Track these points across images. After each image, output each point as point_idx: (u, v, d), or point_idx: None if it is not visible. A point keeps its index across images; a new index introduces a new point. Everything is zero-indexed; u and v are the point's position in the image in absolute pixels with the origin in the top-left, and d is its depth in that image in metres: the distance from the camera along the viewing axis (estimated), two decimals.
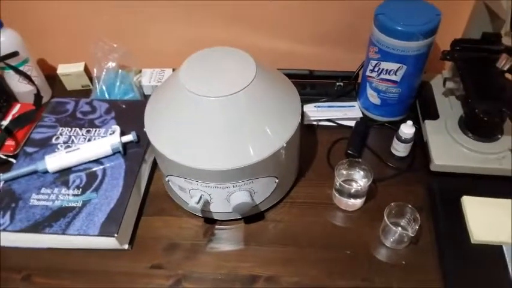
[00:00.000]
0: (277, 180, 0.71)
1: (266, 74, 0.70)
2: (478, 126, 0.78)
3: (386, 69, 0.81)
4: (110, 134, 0.83)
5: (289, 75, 0.79)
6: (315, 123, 0.92)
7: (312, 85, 0.99)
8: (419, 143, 0.84)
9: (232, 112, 0.64)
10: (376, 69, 0.83)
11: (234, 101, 0.64)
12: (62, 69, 1.02)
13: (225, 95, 0.63)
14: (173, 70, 1.03)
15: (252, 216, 0.75)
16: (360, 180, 0.77)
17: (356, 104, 0.95)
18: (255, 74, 0.66)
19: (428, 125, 0.83)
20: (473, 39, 0.80)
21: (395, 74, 0.81)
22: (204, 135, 0.65)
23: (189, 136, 0.65)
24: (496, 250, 0.68)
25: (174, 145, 0.66)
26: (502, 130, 0.79)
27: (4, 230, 0.69)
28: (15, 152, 0.86)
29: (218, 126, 0.64)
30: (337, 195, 0.76)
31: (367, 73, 0.86)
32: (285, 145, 0.66)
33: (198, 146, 0.65)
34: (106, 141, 0.79)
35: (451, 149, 0.79)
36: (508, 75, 0.74)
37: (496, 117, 0.75)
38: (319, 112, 0.94)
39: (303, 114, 0.87)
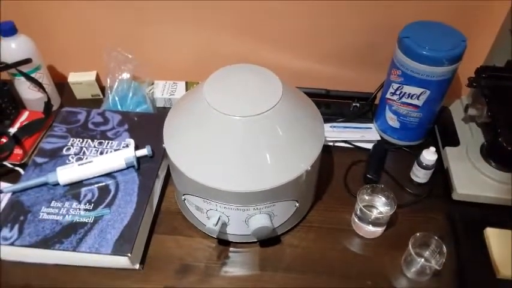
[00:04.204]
0: (297, 204, 0.69)
1: (292, 95, 0.68)
2: (501, 156, 0.77)
3: (409, 93, 0.80)
4: (124, 147, 0.80)
5: (305, 94, 0.77)
6: (330, 143, 0.91)
7: (326, 104, 0.97)
8: (439, 169, 0.82)
9: (258, 133, 0.62)
10: (397, 92, 0.81)
11: (260, 121, 0.62)
12: (73, 78, 0.99)
13: (252, 115, 0.61)
14: (186, 83, 1.01)
15: (268, 239, 0.73)
16: (381, 207, 0.74)
17: (372, 125, 0.94)
18: (281, 94, 0.64)
19: (449, 152, 0.82)
20: (497, 66, 0.79)
21: (418, 99, 0.80)
22: (228, 155, 0.62)
23: (211, 155, 0.63)
24: None
25: (195, 163, 0.64)
26: None
27: (12, 244, 0.66)
28: (22, 161, 0.84)
29: (243, 147, 0.62)
30: (357, 221, 0.74)
31: (388, 96, 0.84)
32: (309, 168, 0.64)
33: (220, 166, 0.62)
34: (120, 154, 0.76)
35: (473, 178, 0.77)
36: None
37: None
38: (334, 132, 0.92)
39: None
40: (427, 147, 0.79)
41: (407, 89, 0.79)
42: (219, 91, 0.66)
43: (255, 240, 0.72)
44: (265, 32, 0.94)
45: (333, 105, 0.98)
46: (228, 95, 0.65)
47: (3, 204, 0.73)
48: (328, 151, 0.89)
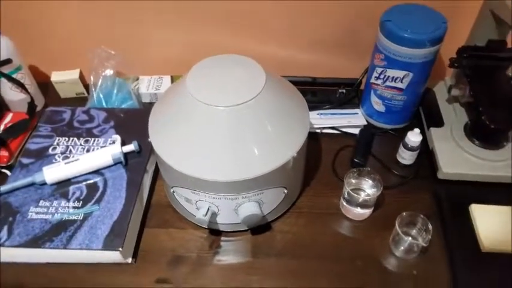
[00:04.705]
0: (285, 191, 0.70)
1: (275, 83, 0.68)
2: (485, 134, 0.78)
3: (393, 77, 0.80)
4: (110, 143, 0.80)
5: (292, 83, 0.77)
6: (318, 130, 0.91)
7: (313, 92, 0.98)
8: (424, 150, 0.83)
9: (242, 122, 0.62)
10: (381, 76, 0.82)
11: (244, 110, 0.62)
12: (56, 77, 0.98)
13: (235, 105, 0.62)
14: (171, 77, 1.01)
15: (259, 227, 0.73)
16: (368, 189, 0.75)
17: (359, 111, 0.94)
18: (264, 82, 0.65)
19: (434, 133, 0.83)
20: (479, 46, 0.80)
21: (401, 82, 0.80)
22: (213, 145, 0.63)
23: (197, 146, 0.63)
24: (507, 258, 0.68)
25: (181, 155, 0.64)
26: (508, 138, 0.79)
27: (2, 245, 0.66)
28: (9, 163, 0.83)
29: (228, 136, 0.62)
30: (345, 204, 0.74)
31: (372, 80, 0.85)
32: (295, 155, 0.65)
33: (206, 157, 0.63)
34: (107, 151, 0.76)
35: (458, 156, 0.78)
36: None
37: (504, 125, 0.75)
38: (322, 120, 0.92)
39: None
40: (412, 129, 0.80)
41: (391, 72, 0.80)
42: (202, 82, 0.66)
43: (246, 229, 0.73)
44: (249, 23, 0.94)
45: (319, 92, 0.98)
46: (211, 85, 0.65)
47: None
48: (315, 138, 0.90)
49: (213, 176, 0.62)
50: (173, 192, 0.70)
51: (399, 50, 0.76)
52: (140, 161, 0.78)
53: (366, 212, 0.74)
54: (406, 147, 0.80)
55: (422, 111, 0.90)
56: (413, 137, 0.79)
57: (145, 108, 0.92)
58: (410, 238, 0.68)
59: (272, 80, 0.67)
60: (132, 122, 0.84)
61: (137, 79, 0.99)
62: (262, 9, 0.91)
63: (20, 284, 0.67)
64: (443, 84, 0.93)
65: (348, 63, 0.98)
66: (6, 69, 0.87)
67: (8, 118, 0.91)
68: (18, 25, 0.94)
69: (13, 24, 0.93)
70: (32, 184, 0.74)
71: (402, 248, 0.69)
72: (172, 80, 1.00)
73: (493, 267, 0.67)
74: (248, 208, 0.66)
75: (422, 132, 0.82)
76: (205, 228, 0.74)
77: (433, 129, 0.84)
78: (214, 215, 0.68)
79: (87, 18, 0.94)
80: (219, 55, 0.71)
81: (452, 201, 0.76)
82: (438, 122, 0.85)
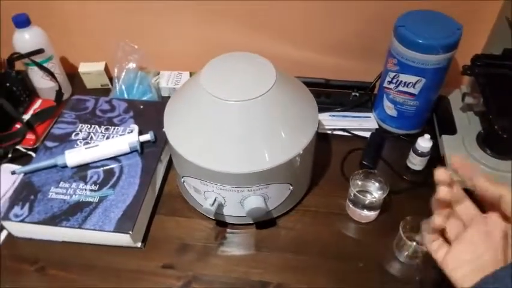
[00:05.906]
0: (291, 187, 0.72)
1: (285, 81, 0.70)
2: (497, 144, 0.78)
3: (405, 82, 0.81)
4: (128, 132, 0.84)
5: (305, 83, 0.79)
6: (329, 131, 0.93)
7: (327, 94, 0.99)
8: (436, 157, 0.83)
9: (251, 117, 0.65)
10: (394, 81, 0.83)
11: (253, 105, 0.65)
12: (83, 68, 1.04)
13: (245, 100, 0.64)
14: (190, 73, 1.04)
15: (264, 222, 0.75)
16: (374, 192, 0.76)
17: (371, 115, 0.95)
18: (274, 80, 0.67)
19: (446, 140, 0.83)
20: (494, 54, 0.80)
21: (414, 87, 0.81)
22: (222, 138, 0.65)
23: (208, 138, 0.66)
24: None
25: (192, 146, 0.67)
26: None
27: (22, 221, 0.71)
28: (35, 146, 0.88)
29: (236, 130, 0.65)
30: (351, 205, 0.76)
31: (385, 84, 0.86)
32: (301, 152, 0.67)
33: (215, 149, 0.66)
34: (124, 139, 0.80)
35: None
36: None
37: None
38: (333, 121, 0.93)
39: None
40: (423, 134, 0.80)
41: (403, 77, 0.81)
42: (215, 77, 0.69)
43: (251, 222, 0.75)
44: (267, 23, 0.96)
45: (333, 94, 0.99)
46: (223, 81, 0.68)
47: (16, 184, 0.78)
48: (326, 139, 0.91)
49: (220, 167, 0.64)
50: (183, 181, 0.73)
51: (412, 56, 0.76)
52: (155, 151, 0.82)
53: (372, 214, 0.75)
54: (416, 152, 0.81)
55: (436, 118, 0.90)
56: (423, 142, 0.79)
57: (164, 101, 0.95)
58: (414, 243, 0.68)
59: (283, 78, 0.70)
60: (150, 114, 0.88)
61: (158, 74, 1.03)
62: (279, 10, 0.93)
63: (35, 259, 0.72)
64: (458, 92, 0.93)
65: (364, 66, 0.99)
66: (38, 58, 0.93)
67: (37, 104, 0.97)
68: (52, 19, 1.00)
69: (48, 19, 0.99)
70: (54, 166, 0.79)
71: (406, 252, 0.69)
72: (191, 76, 1.03)
73: None
74: (253, 201, 0.68)
75: (435, 139, 0.82)
76: (213, 219, 0.76)
77: (445, 137, 0.84)
78: (220, 206, 0.71)
79: (114, 14, 0.99)
80: (232, 52, 0.74)
81: None
82: (451, 130, 0.85)
